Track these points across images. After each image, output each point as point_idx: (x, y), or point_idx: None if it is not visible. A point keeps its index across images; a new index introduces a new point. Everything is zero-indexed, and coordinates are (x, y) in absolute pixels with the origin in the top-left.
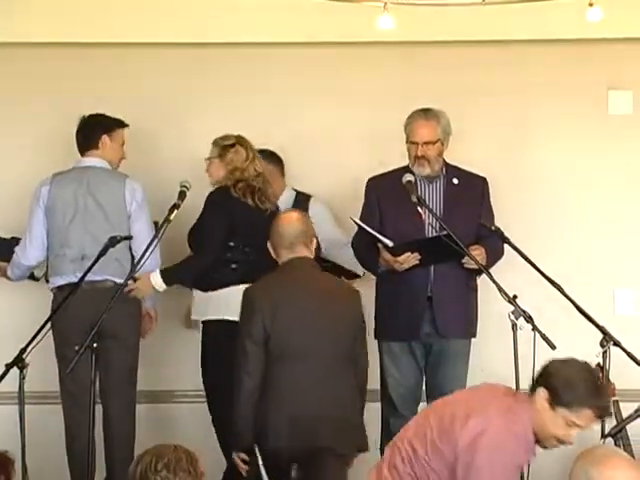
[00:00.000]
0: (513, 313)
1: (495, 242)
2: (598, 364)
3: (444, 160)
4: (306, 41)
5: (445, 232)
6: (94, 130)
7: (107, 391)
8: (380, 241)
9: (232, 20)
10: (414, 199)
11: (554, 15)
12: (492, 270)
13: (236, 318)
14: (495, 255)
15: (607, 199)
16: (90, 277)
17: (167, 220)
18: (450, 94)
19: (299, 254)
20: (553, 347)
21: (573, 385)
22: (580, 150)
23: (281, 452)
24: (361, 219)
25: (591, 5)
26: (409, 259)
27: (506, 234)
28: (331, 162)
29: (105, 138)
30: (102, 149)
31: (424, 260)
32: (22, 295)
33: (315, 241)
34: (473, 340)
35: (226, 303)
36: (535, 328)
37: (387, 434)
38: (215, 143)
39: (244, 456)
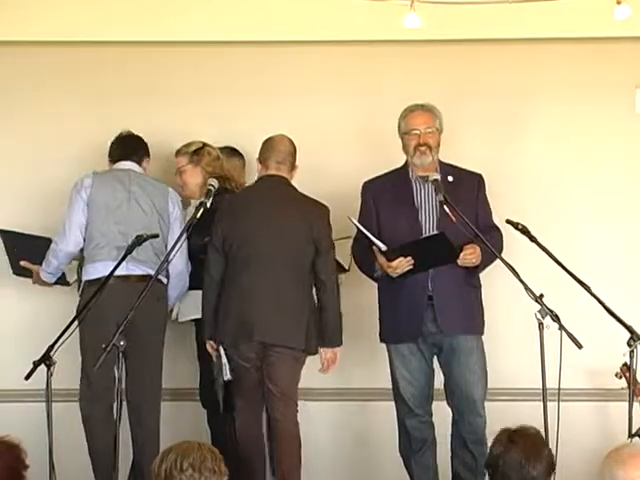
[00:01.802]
0: (540, 312)
1: (493, 239)
2: (625, 364)
3: (438, 159)
4: (327, 40)
5: (437, 232)
6: (142, 149)
7: (134, 389)
8: (374, 244)
9: (250, 18)
10: (441, 198)
11: (581, 13)
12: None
13: None
14: (492, 254)
15: (635, 198)
16: (131, 271)
17: (194, 218)
18: (475, 93)
19: (282, 173)
20: (580, 346)
21: None
22: (608, 149)
23: (232, 346)
24: (360, 222)
25: (619, 3)
26: (402, 264)
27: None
28: (349, 161)
29: (146, 164)
30: (142, 167)
31: (418, 265)
32: (45, 295)
33: (296, 170)
34: (490, 338)
35: None
36: (562, 327)
37: (405, 435)
38: (182, 152)
39: (213, 344)
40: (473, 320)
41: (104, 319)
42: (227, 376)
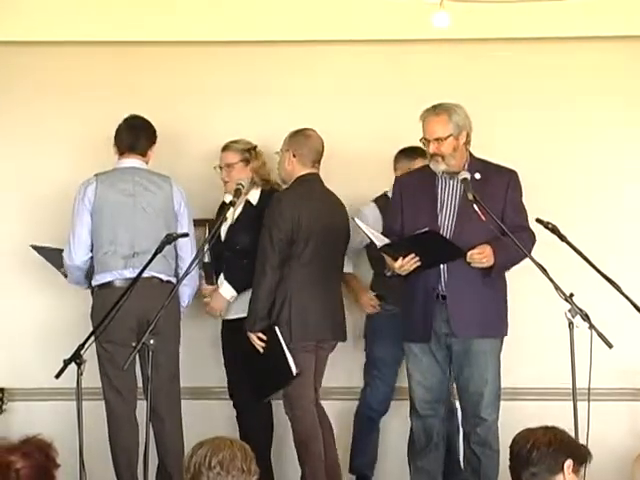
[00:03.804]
0: (570, 311)
1: (519, 241)
2: None
3: (470, 154)
4: (355, 39)
5: (427, 229)
6: (147, 138)
7: (154, 388)
8: (371, 241)
9: (275, 17)
10: (470, 197)
11: (613, 11)
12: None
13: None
14: (516, 253)
15: None
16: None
17: (224, 218)
18: (506, 92)
19: (317, 170)
20: (610, 346)
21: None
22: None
23: (291, 341)
24: (389, 217)
25: None
26: (406, 262)
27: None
28: (376, 160)
29: (154, 148)
30: (147, 157)
31: (425, 261)
32: (71, 294)
33: None
34: (520, 338)
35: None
36: (592, 326)
37: (410, 433)
38: (232, 148)
39: (262, 335)
40: (489, 323)
41: (111, 322)
42: (295, 369)
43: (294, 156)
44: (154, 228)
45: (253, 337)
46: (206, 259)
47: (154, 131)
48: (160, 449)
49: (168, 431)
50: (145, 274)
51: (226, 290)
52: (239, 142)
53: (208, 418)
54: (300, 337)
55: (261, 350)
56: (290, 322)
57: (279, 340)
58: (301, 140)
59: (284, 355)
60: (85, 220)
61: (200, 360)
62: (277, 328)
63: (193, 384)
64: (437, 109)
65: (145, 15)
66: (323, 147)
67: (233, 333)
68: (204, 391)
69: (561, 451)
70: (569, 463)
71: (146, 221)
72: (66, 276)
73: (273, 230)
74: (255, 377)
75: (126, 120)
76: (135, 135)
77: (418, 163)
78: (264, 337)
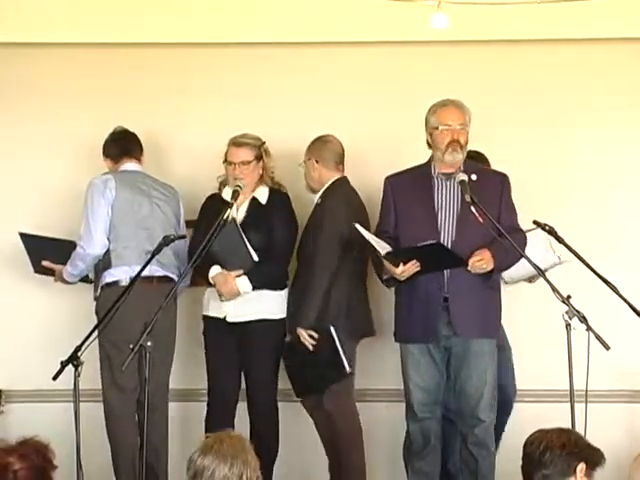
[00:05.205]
0: (567, 313)
1: (515, 241)
2: None
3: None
4: (353, 41)
5: (433, 241)
6: (139, 145)
7: (151, 388)
8: (373, 247)
9: (273, 19)
10: (468, 199)
11: (612, 13)
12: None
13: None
14: (513, 255)
15: None
16: (154, 273)
17: (221, 219)
18: (503, 93)
19: (343, 173)
20: (607, 347)
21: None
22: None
23: (350, 337)
24: (379, 217)
25: None
26: (407, 268)
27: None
28: (376, 162)
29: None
30: (142, 163)
31: (424, 267)
32: (70, 295)
33: None
34: (517, 340)
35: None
36: (590, 328)
37: (407, 435)
38: (247, 144)
39: (313, 333)
40: (488, 323)
41: (128, 320)
42: (349, 368)
43: (317, 162)
44: (168, 228)
45: (304, 334)
46: (255, 258)
47: (141, 142)
48: (149, 451)
49: (157, 430)
50: (159, 273)
51: (243, 283)
52: (246, 136)
53: (194, 420)
54: (355, 333)
55: (311, 347)
56: (352, 318)
57: (333, 339)
58: (319, 145)
59: (337, 354)
60: (106, 211)
61: (192, 361)
62: (332, 328)
63: (183, 386)
64: (455, 102)
65: (144, 16)
66: (343, 149)
67: (231, 335)
68: (190, 393)
69: (574, 454)
70: (582, 467)
71: (161, 220)
72: (39, 272)
73: (334, 237)
74: (301, 374)
75: (113, 134)
76: (128, 142)
77: None
78: (315, 335)
